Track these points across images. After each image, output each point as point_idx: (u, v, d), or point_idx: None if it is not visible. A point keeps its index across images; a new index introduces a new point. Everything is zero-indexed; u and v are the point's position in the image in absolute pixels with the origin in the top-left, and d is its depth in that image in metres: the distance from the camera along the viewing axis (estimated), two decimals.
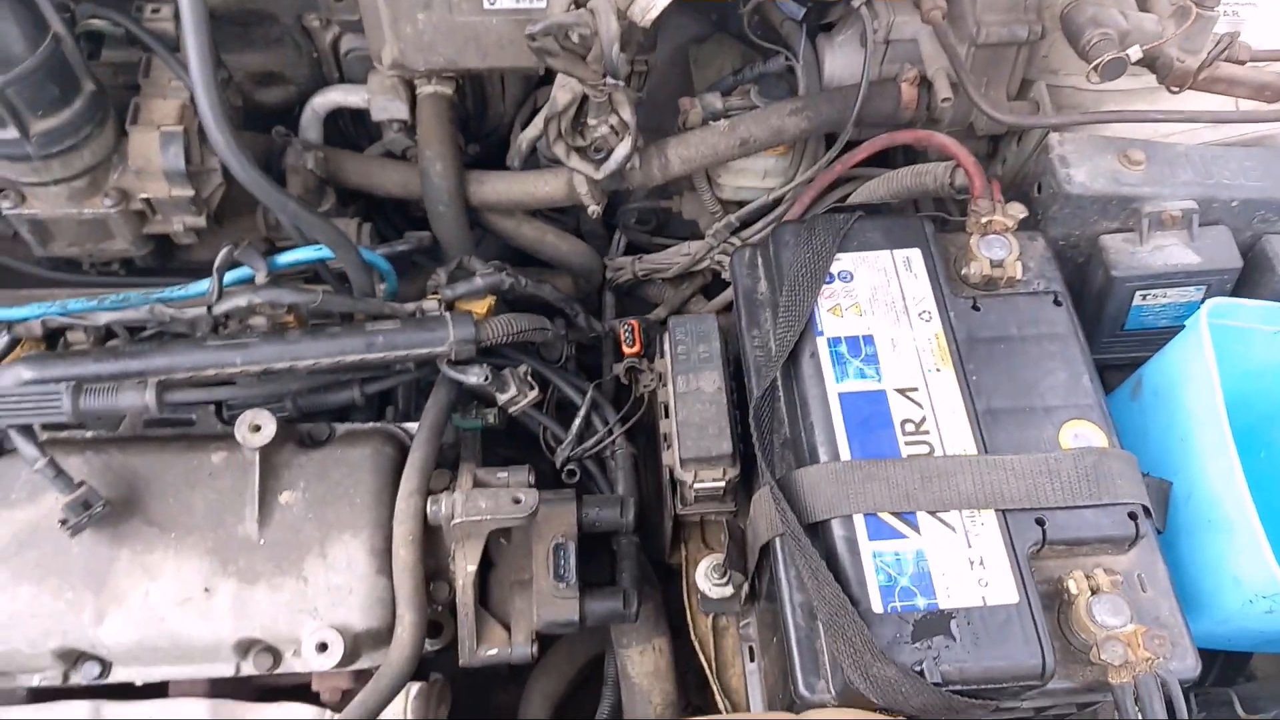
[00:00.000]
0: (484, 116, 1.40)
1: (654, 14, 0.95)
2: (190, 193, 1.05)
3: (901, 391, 0.86)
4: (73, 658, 0.97)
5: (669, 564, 1.19)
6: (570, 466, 1.14)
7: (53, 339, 1.04)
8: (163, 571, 0.95)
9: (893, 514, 0.79)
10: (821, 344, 0.89)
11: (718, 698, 1.07)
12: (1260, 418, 1.01)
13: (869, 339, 0.89)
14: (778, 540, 0.83)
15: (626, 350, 1.23)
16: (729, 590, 1.04)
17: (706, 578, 1.05)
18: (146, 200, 1.05)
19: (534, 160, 1.30)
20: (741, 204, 1.29)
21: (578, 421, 1.15)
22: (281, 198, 0.97)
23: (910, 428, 0.83)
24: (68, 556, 0.94)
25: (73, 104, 0.97)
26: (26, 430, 0.93)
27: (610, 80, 1.00)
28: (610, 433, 1.14)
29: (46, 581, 0.93)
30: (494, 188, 1.25)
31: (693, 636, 1.10)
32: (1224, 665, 1.01)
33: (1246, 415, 1.01)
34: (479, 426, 1.19)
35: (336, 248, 1.05)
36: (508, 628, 1.02)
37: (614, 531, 1.10)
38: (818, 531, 0.80)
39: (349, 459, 1.02)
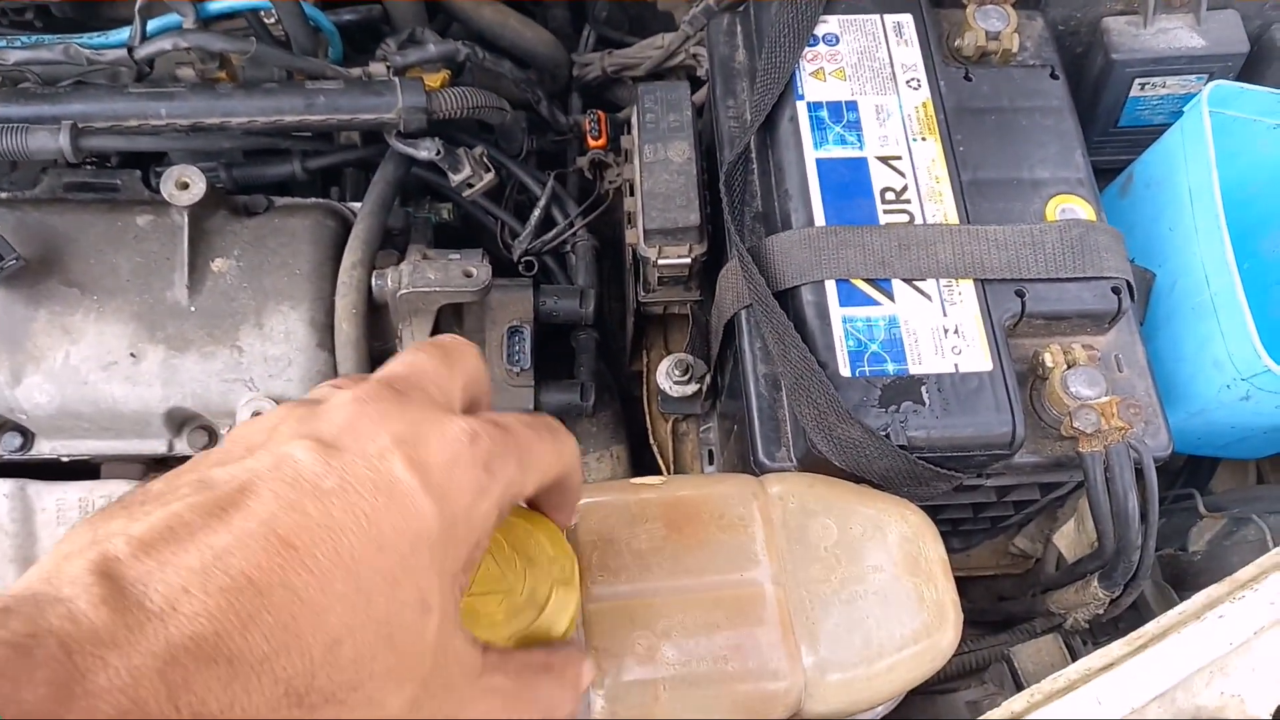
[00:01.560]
0: None
1: None
2: None
3: (883, 160, 0.80)
4: None
5: (629, 371, 1.16)
6: (528, 259, 1.08)
7: None
8: (84, 334, 0.88)
9: (867, 281, 0.74)
10: (801, 109, 0.82)
11: None
12: (1256, 217, 0.97)
13: (852, 105, 0.82)
14: (743, 313, 0.78)
15: (591, 142, 1.16)
16: (691, 389, 1.00)
17: (668, 376, 1.01)
18: None
19: None
20: None
21: (537, 211, 1.08)
22: None
23: (890, 196, 0.78)
24: None
25: None
26: None
27: None
28: (572, 225, 1.08)
29: None
30: None
31: (651, 441, 1.07)
32: (1188, 478, 1.01)
33: (1241, 214, 0.98)
34: (431, 220, 1.12)
35: None
36: None
37: (572, 325, 1.05)
38: (787, 300, 0.75)
39: (288, 228, 0.95)
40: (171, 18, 0.95)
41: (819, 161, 0.80)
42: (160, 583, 0.27)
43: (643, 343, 1.12)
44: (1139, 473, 0.69)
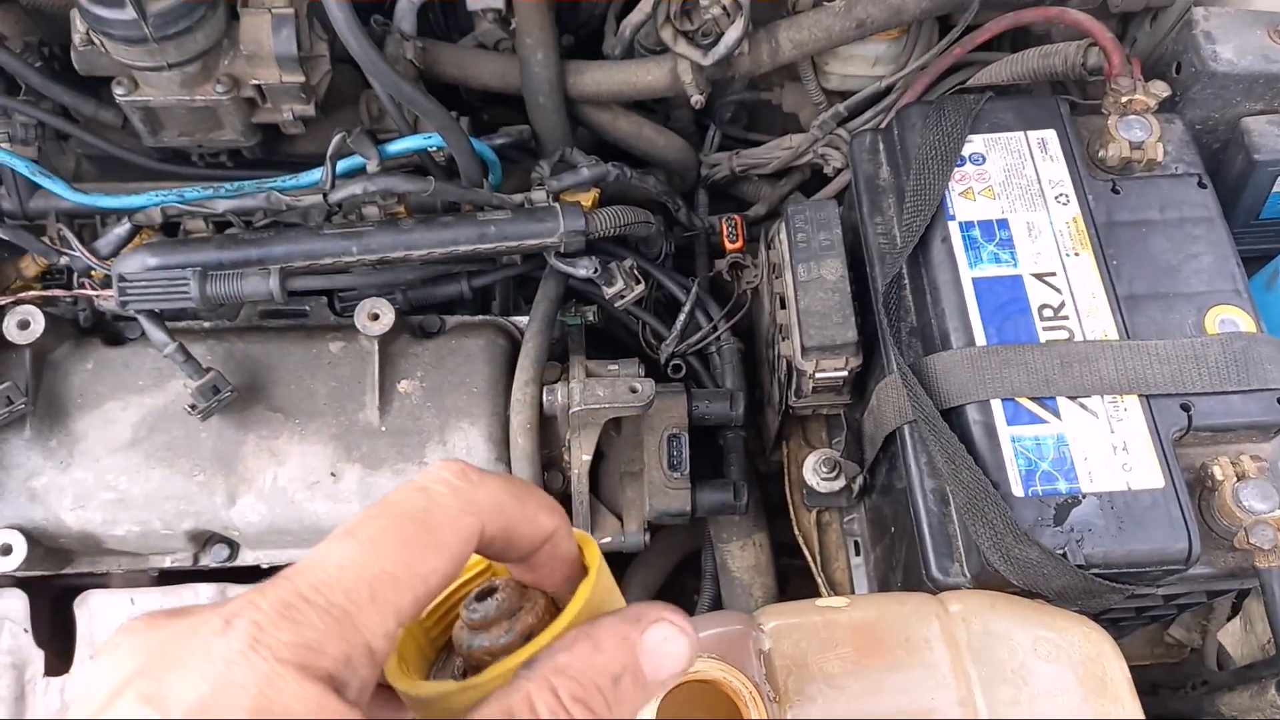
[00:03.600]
0: (577, 6, 1.36)
1: None
2: (301, 79, 1.03)
3: (1038, 276, 0.83)
4: (203, 539, 1.01)
5: (768, 462, 1.20)
6: (675, 362, 1.14)
7: (170, 228, 1.05)
8: (289, 456, 0.97)
9: (1031, 399, 0.77)
10: (953, 228, 0.86)
11: (823, 589, 1.08)
12: None
13: (1003, 223, 0.86)
14: (906, 428, 0.82)
15: (729, 245, 1.22)
16: (838, 484, 1.04)
17: (815, 472, 1.05)
18: (257, 87, 1.05)
19: (632, 51, 1.26)
20: (847, 94, 1.24)
21: (683, 316, 1.14)
22: (396, 79, 0.96)
23: (1049, 313, 0.81)
24: (197, 440, 0.97)
25: None
26: (154, 315, 0.95)
27: None
28: (715, 328, 1.14)
29: (178, 464, 0.96)
30: (593, 78, 1.22)
31: (796, 531, 1.11)
32: None
33: None
34: (579, 323, 1.19)
35: (448, 134, 1.04)
36: (619, 517, 1.03)
37: (721, 426, 1.10)
38: (951, 418, 0.79)
39: (464, 349, 1.03)
40: (354, 160, 1.04)
41: (975, 280, 0.83)
42: None
43: (782, 432, 1.16)
44: None
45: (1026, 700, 0.68)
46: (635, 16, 1.16)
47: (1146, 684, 1.01)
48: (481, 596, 0.35)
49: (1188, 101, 0.96)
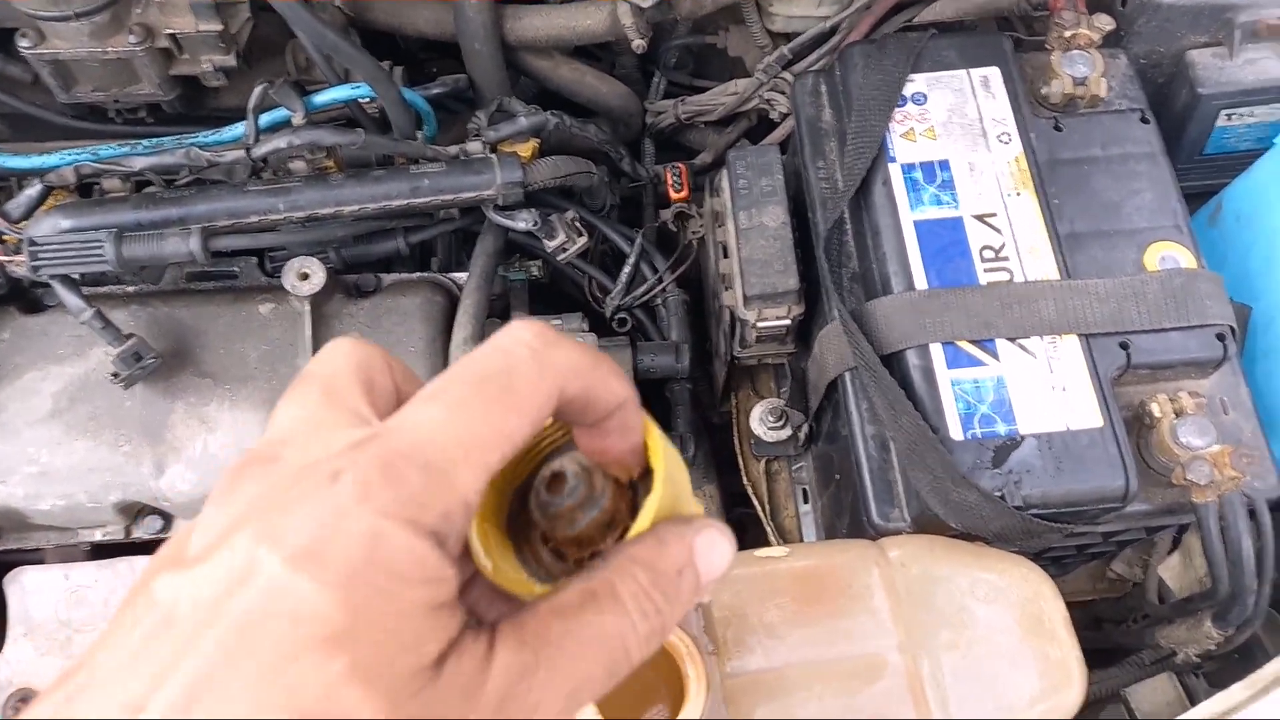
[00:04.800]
0: None
1: None
2: (219, 27, 0.99)
3: (979, 218, 0.82)
4: (134, 511, 0.98)
5: (719, 414, 1.19)
6: (621, 315, 1.12)
7: (86, 188, 1.00)
8: (220, 423, 0.94)
9: (971, 342, 0.76)
10: (894, 171, 0.84)
11: (772, 538, 1.07)
12: None
13: (944, 164, 0.84)
14: (848, 374, 0.81)
15: (674, 195, 1.19)
16: (785, 433, 1.03)
17: (762, 421, 1.04)
18: (172, 37, 1.00)
19: None
20: (793, 36, 1.21)
21: (627, 268, 1.12)
22: (318, 28, 0.92)
23: (989, 254, 0.80)
24: (122, 410, 0.93)
25: None
26: (69, 281, 0.91)
27: None
28: (661, 279, 1.11)
29: (102, 435, 0.93)
30: (532, 22, 1.18)
31: (745, 481, 1.10)
32: None
33: None
34: (523, 279, 1.17)
35: (376, 84, 1.00)
36: None
37: (668, 379, 1.08)
38: (891, 363, 0.78)
39: (400, 307, 1.00)
40: (280, 112, 1.00)
41: (916, 224, 0.82)
42: None
43: (730, 383, 1.15)
44: (1252, 517, 0.71)
45: (965, 643, 0.68)
46: None
47: (1091, 618, 1.03)
48: (560, 482, 0.36)
49: (1132, 35, 0.95)
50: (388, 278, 1.05)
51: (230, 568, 0.28)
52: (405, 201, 0.99)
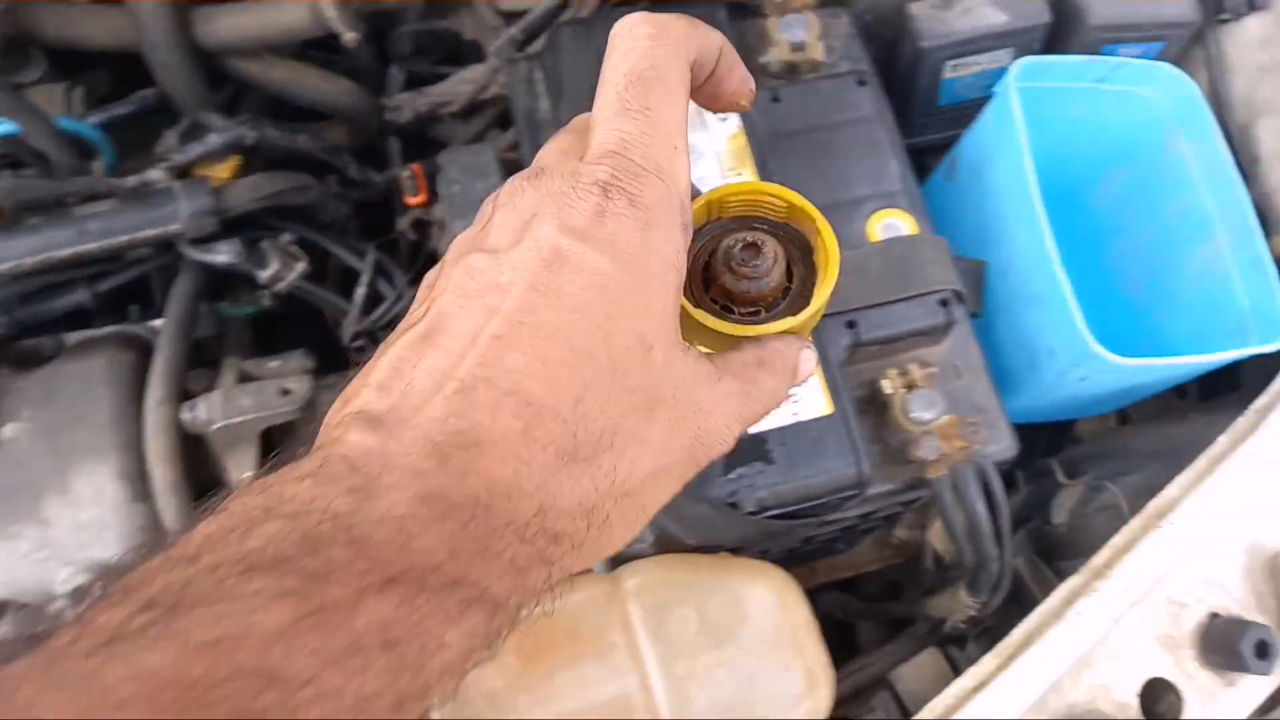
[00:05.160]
0: None
1: None
2: None
3: None
4: None
5: None
6: (359, 343, 1.01)
7: None
8: None
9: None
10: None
11: None
12: (1081, 174, 0.96)
13: None
14: None
15: (410, 200, 1.09)
16: None
17: None
18: None
19: None
20: (525, 14, 1.12)
21: (360, 289, 1.02)
22: None
23: None
24: None
25: None
26: None
27: None
28: (400, 297, 1.02)
29: None
30: (227, 24, 1.05)
31: None
32: (1051, 434, 1.00)
33: (1069, 174, 0.96)
34: (252, 312, 1.04)
35: (19, 117, 0.86)
36: None
37: None
38: None
39: (80, 373, 0.86)
40: None
41: None
42: (404, 406, 0.32)
43: None
44: (986, 488, 0.68)
45: (703, 671, 0.62)
46: None
47: (886, 586, 1.00)
48: (755, 249, 0.44)
49: None
50: (72, 337, 0.91)
51: (539, 251, 0.34)
52: (73, 250, 0.86)
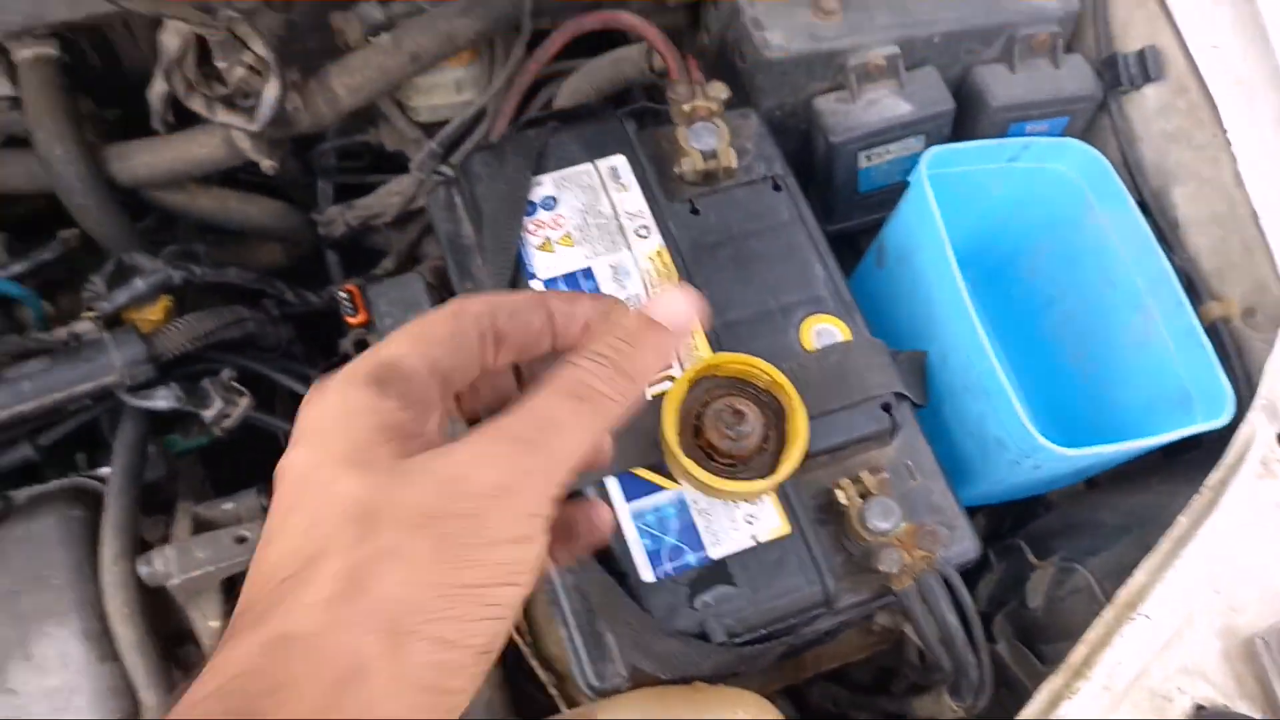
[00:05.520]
0: (118, 70, 1.16)
1: None
2: None
3: None
4: None
5: None
6: None
7: None
8: None
9: (647, 468, 0.71)
10: (536, 287, 0.79)
11: (539, 672, 1.00)
12: (1009, 248, 1.00)
13: (587, 272, 0.79)
14: None
15: (351, 321, 1.08)
16: None
17: None
18: None
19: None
20: (442, 124, 1.14)
21: None
22: None
23: None
24: None
25: None
26: None
27: (225, 13, 0.82)
28: None
29: None
30: (143, 160, 1.04)
31: None
32: (1019, 506, 1.01)
33: (994, 254, 1.00)
34: (203, 443, 1.03)
35: None
36: None
37: None
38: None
39: (31, 534, 0.85)
40: None
41: None
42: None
43: None
44: (952, 591, 0.70)
45: None
46: (157, 86, 0.99)
47: (876, 674, 0.99)
48: (740, 416, 0.61)
49: (758, 91, 0.93)
50: (20, 494, 0.89)
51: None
52: (8, 413, 0.84)
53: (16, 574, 0.83)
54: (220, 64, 0.90)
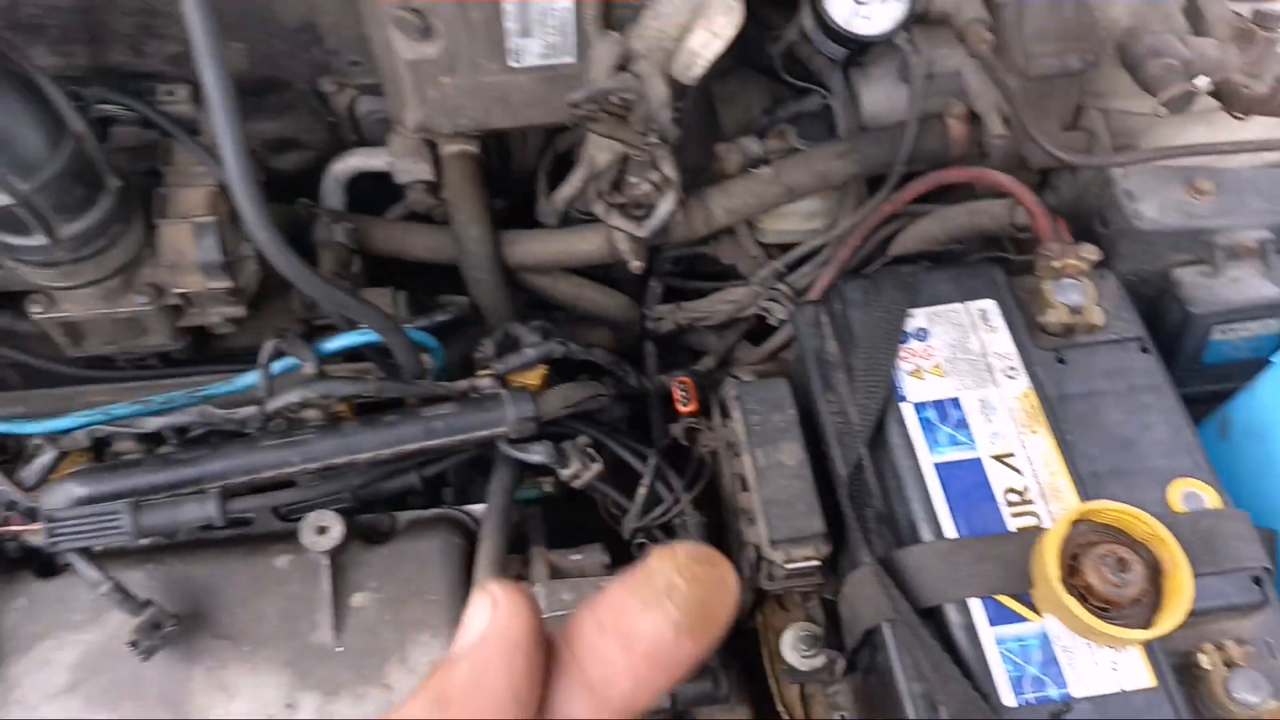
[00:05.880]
0: (508, 169, 1.36)
1: (698, 71, 0.91)
2: (228, 284, 1.00)
3: (998, 458, 0.83)
4: None
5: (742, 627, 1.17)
6: (640, 540, 1.11)
7: (98, 446, 0.99)
8: (240, 689, 0.91)
9: (1010, 595, 0.76)
10: (907, 411, 0.86)
11: None
12: None
13: (955, 402, 0.86)
14: (886, 627, 0.80)
15: (682, 409, 1.20)
16: (819, 661, 1.01)
17: (794, 649, 1.01)
18: (182, 294, 1.01)
19: (567, 218, 1.25)
20: (783, 246, 1.26)
21: (642, 490, 1.11)
22: (328, 288, 0.93)
23: (1014, 498, 0.81)
24: (141, 679, 0.90)
25: (99, 203, 0.92)
26: (86, 553, 0.89)
27: (655, 139, 0.97)
28: (677, 500, 1.11)
29: (122, 707, 0.90)
30: (530, 248, 1.22)
31: (779, 704, 1.07)
32: None
33: None
34: (536, 495, 1.16)
35: (385, 332, 1.01)
36: None
37: None
38: (930, 616, 0.77)
39: (418, 553, 0.99)
40: (290, 360, 1.01)
41: (937, 466, 0.83)
42: None
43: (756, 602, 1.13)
44: None
45: None
46: (566, 190, 1.16)
47: None
48: (1124, 565, 0.67)
49: (1117, 256, 0.99)
50: (403, 517, 1.04)
51: None
52: (419, 445, 0.99)
53: (402, 585, 0.97)
54: (632, 179, 1.05)
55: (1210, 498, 0.80)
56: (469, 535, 1.02)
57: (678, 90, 1.09)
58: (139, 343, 1.07)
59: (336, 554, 0.95)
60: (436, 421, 1.00)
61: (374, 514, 1.03)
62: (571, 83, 1.05)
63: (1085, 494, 0.81)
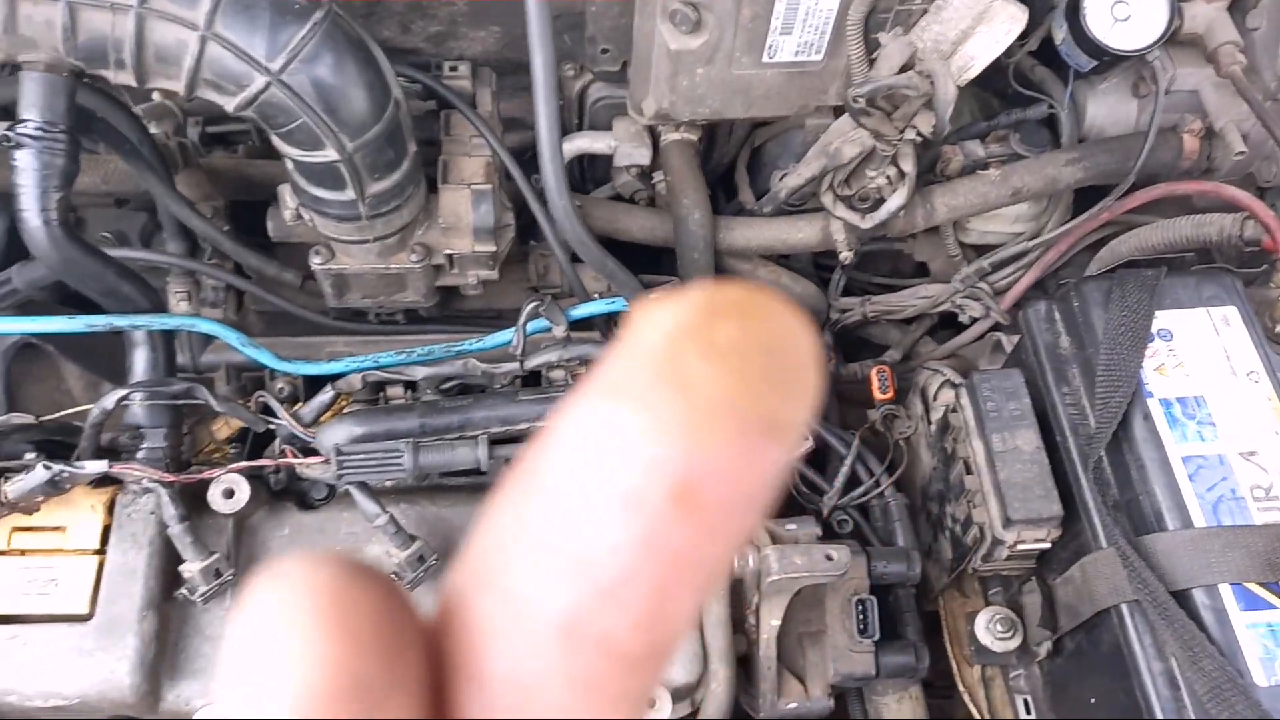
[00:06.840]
0: (708, 157, 1.43)
1: (972, 74, 0.97)
2: (493, 248, 1.09)
3: (1244, 455, 0.86)
4: None
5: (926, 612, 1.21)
6: (841, 517, 1.16)
7: (372, 392, 1.09)
8: None
9: (1258, 584, 0.79)
10: (1153, 405, 0.90)
11: None
12: None
13: (1200, 400, 0.90)
14: (1125, 607, 0.84)
15: (879, 396, 1.25)
16: (1013, 644, 1.05)
17: (989, 630, 1.06)
18: (448, 255, 1.10)
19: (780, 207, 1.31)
20: (981, 247, 1.30)
21: (844, 470, 1.17)
22: (600, 256, 1.01)
23: (1260, 493, 0.84)
24: None
25: (402, 166, 1.01)
26: (365, 487, 0.98)
27: (911, 136, 1.03)
28: (878, 482, 1.16)
29: None
30: (744, 234, 1.28)
31: (960, 685, 1.12)
32: None
33: None
34: None
35: (637, 300, 1.08)
36: (801, 680, 1.05)
37: (894, 584, 1.12)
38: (1177, 601, 0.81)
39: None
40: (541, 322, 1.09)
41: (1184, 459, 0.87)
42: None
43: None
44: None
45: None
46: (793, 180, 1.22)
47: None
48: None
49: None
50: None
51: None
52: None
53: None
54: (870, 172, 1.11)
55: None
56: None
57: None
58: (396, 298, 1.15)
59: None
60: None
61: None
62: (811, 80, 1.12)
63: None
